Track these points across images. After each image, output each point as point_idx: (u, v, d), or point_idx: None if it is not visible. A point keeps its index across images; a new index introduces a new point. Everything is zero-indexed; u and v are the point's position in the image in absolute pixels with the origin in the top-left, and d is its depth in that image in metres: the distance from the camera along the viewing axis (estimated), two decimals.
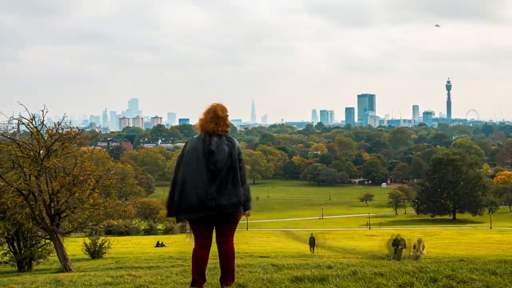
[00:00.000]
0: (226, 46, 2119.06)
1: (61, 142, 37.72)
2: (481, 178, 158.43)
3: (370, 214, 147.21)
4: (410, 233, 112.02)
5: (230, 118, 10.79)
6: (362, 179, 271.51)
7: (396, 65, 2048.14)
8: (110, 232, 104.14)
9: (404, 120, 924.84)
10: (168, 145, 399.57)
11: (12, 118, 38.24)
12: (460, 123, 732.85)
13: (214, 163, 10.14)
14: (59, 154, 37.53)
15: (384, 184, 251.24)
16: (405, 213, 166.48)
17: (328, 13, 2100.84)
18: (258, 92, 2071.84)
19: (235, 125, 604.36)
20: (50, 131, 38.44)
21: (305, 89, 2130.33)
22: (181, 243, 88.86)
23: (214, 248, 12.36)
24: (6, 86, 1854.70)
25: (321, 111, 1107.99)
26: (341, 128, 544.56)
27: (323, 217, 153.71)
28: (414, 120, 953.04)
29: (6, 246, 44.06)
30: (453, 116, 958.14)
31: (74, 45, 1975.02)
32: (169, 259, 47.29)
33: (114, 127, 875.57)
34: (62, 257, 37.85)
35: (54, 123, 38.64)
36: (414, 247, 50.42)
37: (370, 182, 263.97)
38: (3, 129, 39.56)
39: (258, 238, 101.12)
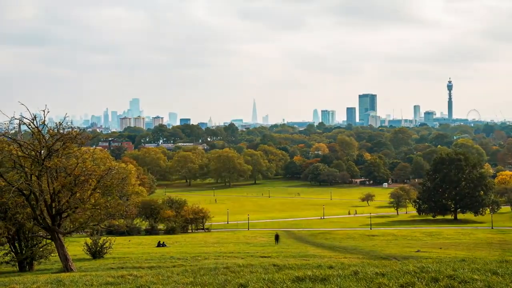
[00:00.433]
0: (172, 48, 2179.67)
1: (62, 142, 37.73)
2: (484, 178, 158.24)
3: (372, 214, 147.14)
4: (411, 233, 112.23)
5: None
6: (363, 179, 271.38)
7: (358, 66, 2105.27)
8: (111, 232, 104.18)
9: (405, 120, 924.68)
10: (169, 145, 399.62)
11: (13, 118, 38.22)
12: (461, 123, 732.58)
13: None
14: (60, 154, 37.54)
15: (385, 184, 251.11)
16: (406, 213, 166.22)
17: (261, 16, 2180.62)
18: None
19: (236, 125, 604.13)
20: (51, 131, 38.46)
21: (274, 89, 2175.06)
22: (183, 243, 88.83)
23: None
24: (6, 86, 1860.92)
25: (322, 111, 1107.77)
26: (342, 128, 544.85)
27: (324, 217, 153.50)
28: (415, 120, 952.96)
29: (7, 246, 44.08)
30: (454, 116, 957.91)
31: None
32: (170, 259, 47.28)
33: (115, 127, 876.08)
34: (63, 257, 37.85)
35: (55, 123, 38.67)
36: None
37: (371, 182, 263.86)
38: (4, 129, 39.60)
39: (260, 238, 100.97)
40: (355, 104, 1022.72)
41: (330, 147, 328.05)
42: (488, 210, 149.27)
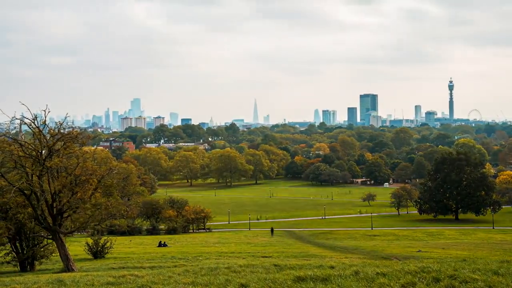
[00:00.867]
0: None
1: (63, 142, 37.75)
2: (485, 178, 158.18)
3: (373, 214, 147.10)
4: (412, 233, 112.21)
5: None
6: (364, 179, 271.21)
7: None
8: (112, 232, 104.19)
9: (407, 120, 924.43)
10: (171, 145, 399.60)
11: (14, 118, 38.25)
12: (463, 123, 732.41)
13: None
14: (61, 154, 37.57)
15: (386, 184, 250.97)
16: (408, 213, 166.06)
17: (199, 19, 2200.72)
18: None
19: (237, 125, 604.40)
20: (52, 131, 38.48)
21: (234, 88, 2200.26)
22: (184, 243, 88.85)
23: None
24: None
25: (323, 111, 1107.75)
26: (344, 128, 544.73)
27: (325, 217, 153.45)
28: (417, 120, 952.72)
29: (8, 246, 44.11)
30: (456, 116, 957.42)
31: None
32: (171, 259, 47.30)
33: (117, 127, 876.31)
34: (65, 257, 37.87)
35: (56, 123, 38.70)
36: None
37: (372, 182, 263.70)
38: (5, 129, 39.63)
39: (261, 238, 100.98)
40: (356, 104, 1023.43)
41: (331, 147, 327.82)
42: (489, 210, 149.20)
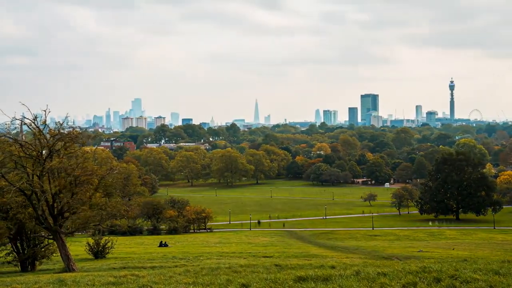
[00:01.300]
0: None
1: (63, 142, 37.74)
2: (486, 178, 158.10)
3: (374, 214, 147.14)
4: (413, 233, 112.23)
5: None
6: (365, 179, 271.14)
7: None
8: (113, 232, 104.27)
9: (407, 120, 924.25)
10: (172, 145, 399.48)
11: (14, 119, 38.24)
12: (463, 123, 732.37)
13: None
14: (62, 154, 37.56)
15: (387, 184, 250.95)
16: (408, 213, 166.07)
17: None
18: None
19: (238, 125, 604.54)
20: (52, 131, 38.48)
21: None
22: (185, 243, 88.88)
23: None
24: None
25: (324, 111, 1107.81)
26: (345, 128, 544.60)
27: (326, 217, 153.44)
28: (417, 120, 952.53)
29: (9, 246, 44.12)
30: (456, 116, 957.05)
31: None
32: (172, 259, 47.29)
33: (117, 127, 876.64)
34: (65, 257, 37.87)
35: (56, 123, 38.70)
36: None
37: (373, 182, 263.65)
38: (5, 130, 39.63)
39: (262, 238, 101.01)
40: (357, 104, 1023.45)
41: (332, 147, 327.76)
42: (490, 210, 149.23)
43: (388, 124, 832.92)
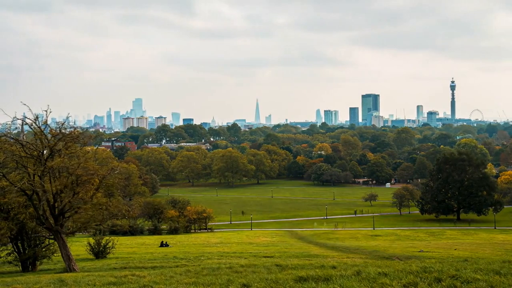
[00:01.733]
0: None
1: (64, 142, 37.76)
2: (486, 178, 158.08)
3: (375, 214, 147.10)
4: (414, 233, 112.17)
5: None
6: (366, 179, 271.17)
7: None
8: (114, 232, 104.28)
9: (408, 120, 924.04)
10: (172, 145, 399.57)
11: (15, 119, 38.27)
12: (464, 123, 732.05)
13: None
14: (63, 154, 37.58)
15: (388, 184, 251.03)
16: (409, 213, 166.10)
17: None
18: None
19: (239, 125, 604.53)
20: (53, 131, 38.50)
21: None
22: (185, 243, 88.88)
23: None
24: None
25: (325, 111, 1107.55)
26: (346, 128, 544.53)
27: (327, 217, 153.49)
28: (418, 120, 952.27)
29: (10, 246, 44.13)
30: (457, 116, 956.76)
31: None
32: (173, 259, 47.28)
33: (118, 127, 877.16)
34: (66, 257, 37.87)
35: (57, 123, 38.72)
36: None
37: (374, 182, 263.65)
38: (6, 129, 39.64)
39: (263, 238, 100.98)
40: (358, 104, 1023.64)
41: (333, 147, 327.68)
42: (491, 210, 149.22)
43: (389, 124, 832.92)
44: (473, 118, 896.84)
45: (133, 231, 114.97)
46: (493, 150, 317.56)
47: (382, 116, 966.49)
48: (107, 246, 56.02)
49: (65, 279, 22.91)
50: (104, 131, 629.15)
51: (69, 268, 37.23)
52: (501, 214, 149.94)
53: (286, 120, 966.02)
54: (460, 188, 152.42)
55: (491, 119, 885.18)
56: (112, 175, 39.57)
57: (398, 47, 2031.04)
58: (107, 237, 58.49)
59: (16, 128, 42.81)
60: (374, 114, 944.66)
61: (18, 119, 38.56)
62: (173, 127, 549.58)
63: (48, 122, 39.14)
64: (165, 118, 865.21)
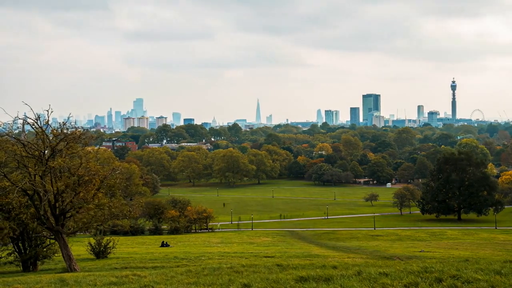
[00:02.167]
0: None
1: (66, 142, 37.77)
2: (487, 178, 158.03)
3: (376, 214, 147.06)
4: (415, 233, 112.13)
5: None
6: (367, 179, 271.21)
7: None
8: (115, 232, 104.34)
9: (409, 120, 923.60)
10: (173, 145, 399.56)
11: (17, 118, 38.28)
12: (465, 123, 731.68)
13: None
14: (64, 154, 37.59)
15: (388, 184, 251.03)
16: (410, 213, 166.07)
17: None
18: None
19: (240, 125, 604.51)
20: (54, 131, 38.52)
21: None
22: (186, 243, 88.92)
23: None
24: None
25: (326, 111, 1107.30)
26: (346, 128, 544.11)
27: (328, 217, 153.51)
28: (419, 120, 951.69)
29: (11, 246, 44.16)
30: (458, 116, 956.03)
31: None
32: (174, 259, 47.30)
33: (119, 127, 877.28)
34: (67, 257, 37.89)
35: (59, 123, 38.74)
36: None
37: (375, 182, 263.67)
38: (8, 129, 39.64)
39: (263, 238, 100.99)
40: (358, 104, 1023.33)
41: (334, 147, 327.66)
42: (492, 210, 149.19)
43: (390, 124, 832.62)
44: (473, 118, 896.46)
45: (134, 231, 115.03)
46: (494, 150, 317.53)
47: (383, 116, 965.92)
48: (108, 246, 56.00)
49: (66, 279, 22.93)
50: (105, 131, 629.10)
51: (70, 268, 37.25)
52: (502, 214, 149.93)
53: (287, 120, 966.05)
54: (460, 188, 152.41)
55: (492, 119, 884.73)
56: (114, 175, 39.59)
57: (345, 48, 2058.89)
58: (108, 237, 58.47)
59: (17, 128, 42.86)
60: (375, 114, 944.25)
61: (19, 118, 38.57)
62: (174, 127, 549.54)
63: (50, 122, 39.10)
64: (166, 118, 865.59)
